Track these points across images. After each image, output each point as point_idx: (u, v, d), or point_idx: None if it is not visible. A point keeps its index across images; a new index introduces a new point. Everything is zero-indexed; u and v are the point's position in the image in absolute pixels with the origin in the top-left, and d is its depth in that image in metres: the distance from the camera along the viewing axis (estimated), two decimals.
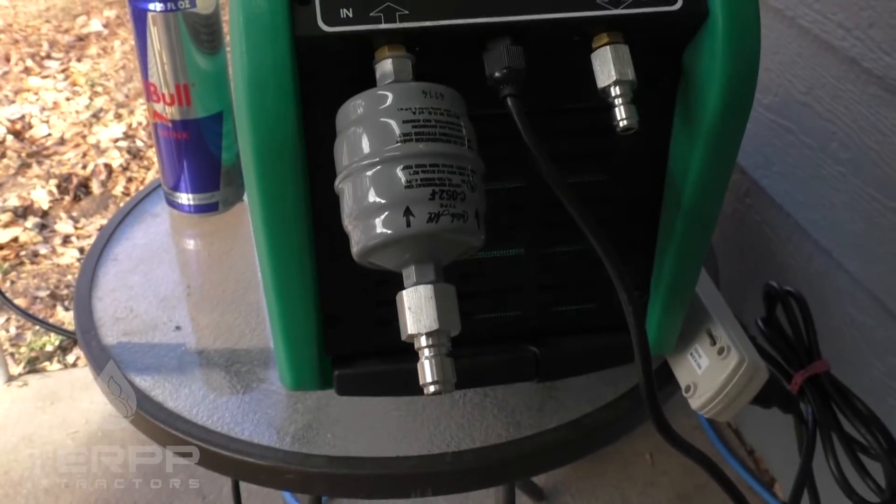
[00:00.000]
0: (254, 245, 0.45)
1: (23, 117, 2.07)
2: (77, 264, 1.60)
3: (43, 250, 1.65)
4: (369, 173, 0.34)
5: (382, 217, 0.33)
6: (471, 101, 0.38)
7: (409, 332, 0.34)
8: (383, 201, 0.33)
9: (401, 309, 0.35)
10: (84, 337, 0.60)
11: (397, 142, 0.34)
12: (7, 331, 1.45)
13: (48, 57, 2.36)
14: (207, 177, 0.70)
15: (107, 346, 0.59)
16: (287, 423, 0.52)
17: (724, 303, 0.54)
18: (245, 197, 0.69)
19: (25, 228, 1.70)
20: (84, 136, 2.01)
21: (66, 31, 2.50)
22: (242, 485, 0.93)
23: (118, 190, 1.83)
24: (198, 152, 0.68)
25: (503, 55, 0.37)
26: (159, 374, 0.57)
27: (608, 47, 0.38)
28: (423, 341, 0.34)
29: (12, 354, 1.39)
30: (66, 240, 1.68)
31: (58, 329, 1.40)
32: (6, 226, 1.70)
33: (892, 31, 0.72)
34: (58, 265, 1.61)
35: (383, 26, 0.36)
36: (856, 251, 0.83)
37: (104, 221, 1.51)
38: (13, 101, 2.14)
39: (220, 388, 0.55)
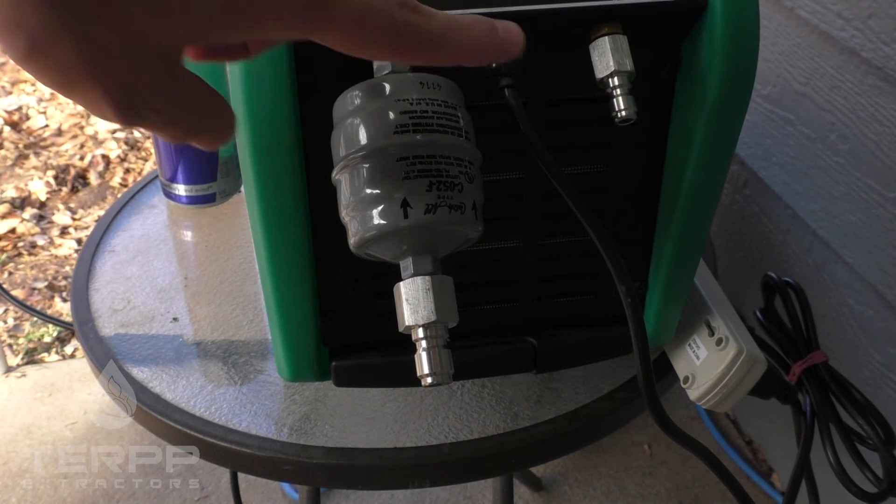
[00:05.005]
0: (251, 236, 0.45)
1: (20, 108, 2.07)
2: (75, 255, 1.60)
3: (41, 241, 1.65)
4: (366, 164, 0.34)
5: (380, 208, 0.33)
6: (469, 92, 0.37)
7: (407, 323, 0.34)
8: (380, 192, 0.33)
9: (398, 300, 0.34)
10: (81, 328, 0.60)
11: (394, 133, 0.33)
12: (5, 322, 1.45)
13: None
14: (204, 168, 0.70)
15: (104, 337, 0.59)
16: (285, 415, 0.52)
17: (723, 294, 0.54)
18: (242, 188, 0.69)
19: (23, 220, 1.70)
20: (81, 128, 2.00)
21: None
22: (241, 476, 0.93)
23: (116, 181, 1.83)
24: None
25: None
26: (157, 365, 0.57)
27: (606, 38, 0.37)
28: (421, 333, 0.34)
29: (10, 346, 1.39)
30: (63, 231, 1.68)
31: (56, 320, 1.40)
32: (4, 217, 1.70)
33: (892, 22, 0.72)
34: (55, 256, 1.61)
35: None
36: (854, 242, 0.83)
37: (102, 212, 1.51)
38: (10, 93, 2.14)
39: (217, 379, 0.55)
